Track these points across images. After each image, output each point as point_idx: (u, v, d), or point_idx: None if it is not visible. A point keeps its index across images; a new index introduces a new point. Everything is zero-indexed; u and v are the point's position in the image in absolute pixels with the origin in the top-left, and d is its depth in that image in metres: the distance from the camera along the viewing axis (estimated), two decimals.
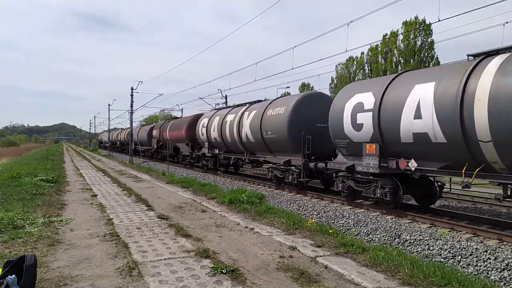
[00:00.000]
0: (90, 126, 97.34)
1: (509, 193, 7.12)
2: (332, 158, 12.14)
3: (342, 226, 9.06)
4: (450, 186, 9.60)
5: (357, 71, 55.54)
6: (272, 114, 13.65)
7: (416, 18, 41.19)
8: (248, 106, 16.37)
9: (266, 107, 14.31)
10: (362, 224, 8.84)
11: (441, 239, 7.32)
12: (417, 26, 40.64)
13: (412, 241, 7.56)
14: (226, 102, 39.23)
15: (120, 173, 19.22)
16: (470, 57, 7.81)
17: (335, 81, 60.28)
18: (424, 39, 40.70)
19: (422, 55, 40.85)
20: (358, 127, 9.55)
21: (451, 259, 6.63)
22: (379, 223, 8.66)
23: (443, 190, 10.01)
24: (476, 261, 6.37)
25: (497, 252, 6.46)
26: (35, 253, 4.88)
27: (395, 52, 43.59)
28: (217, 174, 19.89)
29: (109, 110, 50.90)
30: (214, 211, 8.58)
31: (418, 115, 7.95)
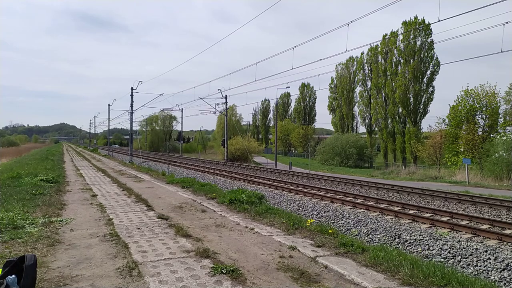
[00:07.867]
0: (90, 126, 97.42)
1: None
2: None
3: (342, 226, 9.06)
4: None
5: (357, 71, 55.63)
6: None
7: (415, 18, 41.22)
8: None
9: None
10: (362, 224, 8.84)
11: (441, 239, 7.32)
12: (417, 26, 40.63)
13: (412, 241, 7.56)
14: (226, 103, 39.20)
15: (120, 173, 19.22)
16: None
17: (335, 81, 60.37)
18: (424, 39, 40.69)
19: (422, 55, 40.84)
20: None
21: (451, 259, 6.63)
22: (379, 223, 8.66)
23: (443, 190, 9.83)
24: (476, 261, 6.37)
25: (497, 252, 6.46)
26: (35, 253, 4.88)
27: (395, 52, 43.60)
28: (217, 174, 19.88)
29: (109, 110, 51.20)
30: (214, 211, 8.57)
31: None
